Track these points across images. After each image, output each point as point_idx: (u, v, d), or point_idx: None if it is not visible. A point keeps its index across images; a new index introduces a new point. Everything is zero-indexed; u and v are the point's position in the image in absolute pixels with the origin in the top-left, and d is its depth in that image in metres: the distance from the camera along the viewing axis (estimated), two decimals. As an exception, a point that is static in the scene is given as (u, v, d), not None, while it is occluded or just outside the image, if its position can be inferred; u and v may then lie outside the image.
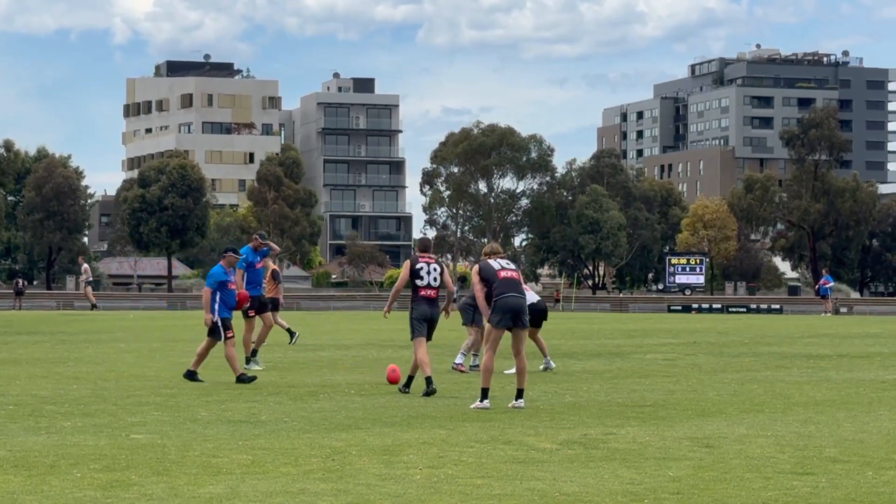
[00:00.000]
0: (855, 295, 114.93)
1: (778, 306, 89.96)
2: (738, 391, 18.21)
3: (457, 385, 18.84)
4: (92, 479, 10.15)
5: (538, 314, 21.85)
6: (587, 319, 51.38)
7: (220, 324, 19.10)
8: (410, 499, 9.44)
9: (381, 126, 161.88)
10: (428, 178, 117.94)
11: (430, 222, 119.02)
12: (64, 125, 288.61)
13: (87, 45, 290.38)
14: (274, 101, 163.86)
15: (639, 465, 10.98)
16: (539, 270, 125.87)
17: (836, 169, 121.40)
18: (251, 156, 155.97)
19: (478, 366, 20.71)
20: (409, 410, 15.33)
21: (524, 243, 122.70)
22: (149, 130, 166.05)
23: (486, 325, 16.10)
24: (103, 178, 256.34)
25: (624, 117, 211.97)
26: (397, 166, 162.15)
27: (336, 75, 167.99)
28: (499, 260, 16.25)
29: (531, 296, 22.00)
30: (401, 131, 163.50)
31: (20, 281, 76.11)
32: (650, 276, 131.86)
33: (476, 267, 16.37)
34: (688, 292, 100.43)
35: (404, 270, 17.72)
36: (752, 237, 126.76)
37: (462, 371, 21.40)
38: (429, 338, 17.65)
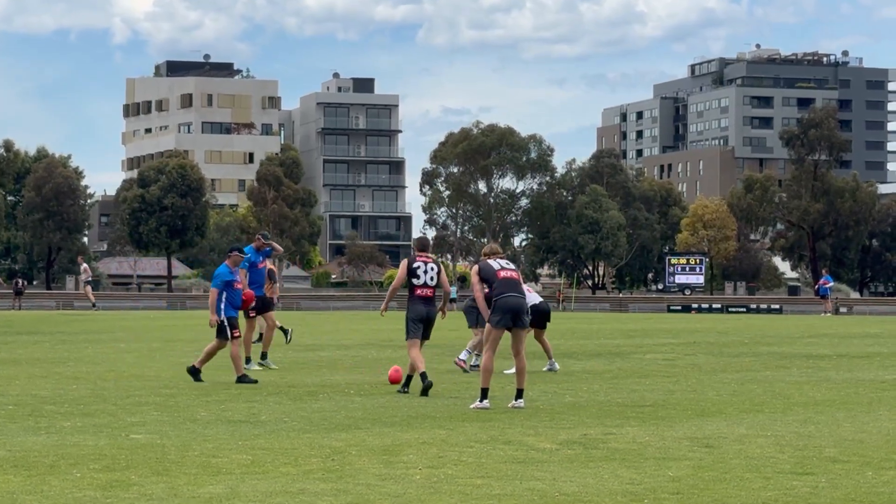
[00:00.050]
0: (855, 295, 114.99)
1: (778, 306, 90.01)
2: (738, 391, 18.21)
3: (457, 385, 18.84)
4: (92, 479, 10.15)
5: (541, 315, 21.85)
6: (587, 319, 51.39)
7: (226, 323, 19.11)
8: (410, 499, 9.43)
9: (381, 126, 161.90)
10: (428, 178, 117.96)
11: (430, 222, 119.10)
12: (64, 125, 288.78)
13: (86, 45, 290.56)
14: (273, 101, 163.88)
15: (638, 465, 10.98)
16: (539, 270, 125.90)
17: (835, 169, 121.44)
18: (251, 156, 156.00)
19: (478, 366, 20.72)
20: (408, 410, 15.33)
21: (524, 243, 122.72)
22: (148, 130, 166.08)
23: (486, 325, 16.10)
24: (103, 178, 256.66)
25: (623, 117, 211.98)
26: (397, 166, 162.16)
27: (336, 75, 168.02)
28: (498, 260, 16.25)
29: (534, 297, 22.01)
30: (400, 131, 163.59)
31: (20, 281, 76.13)
32: (650, 276, 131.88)
33: (476, 267, 16.37)
34: (687, 292, 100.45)
35: (401, 269, 17.73)
36: (752, 237, 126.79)
37: (462, 367, 21.39)
38: (426, 337, 17.66)
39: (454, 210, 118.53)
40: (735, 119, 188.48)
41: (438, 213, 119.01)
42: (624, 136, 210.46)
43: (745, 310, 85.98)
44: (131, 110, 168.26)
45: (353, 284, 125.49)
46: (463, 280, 75.24)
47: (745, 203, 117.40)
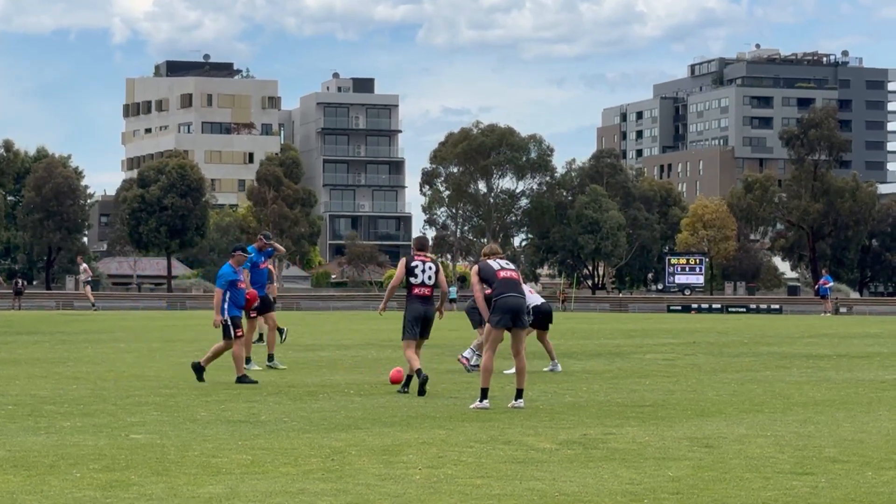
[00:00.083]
0: (854, 295, 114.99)
1: (777, 306, 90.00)
2: (738, 391, 18.21)
3: (456, 385, 18.84)
4: (91, 479, 10.15)
5: (543, 316, 21.86)
6: (587, 319, 51.38)
7: (229, 322, 19.12)
8: (410, 499, 9.44)
9: (381, 126, 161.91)
10: (427, 178, 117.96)
11: (430, 222, 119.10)
12: (63, 125, 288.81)
13: (86, 45, 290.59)
14: (273, 101, 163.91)
15: (638, 465, 10.98)
16: (539, 270, 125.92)
17: (835, 169, 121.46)
18: (251, 156, 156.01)
19: (478, 366, 20.72)
20: (408, 410, 15.33)
21: (524, 243, 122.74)
22: (148, 130, 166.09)
23: (486, 325, 16.10)
24: (103, 178, 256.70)
25: (623, 117, 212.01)
26: (397, 166, 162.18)
27: (335, 75, 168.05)
28: (498, 260, 16.26)
29: (536, 298, 22.02)
30: (400, 131, 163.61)
31: (19, 281, 76.12)
32: (650, 276, 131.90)
33: (475, 267, 16.37)
34: (687, 292, 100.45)
35: (400, 268, 17.75)
36: (752, 237, 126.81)
37: (465, 366, 21.39)
38: (425, 335, 17.68)
39: (454, 210, 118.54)
40: (735, 119, 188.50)
41: (438, 213, 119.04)
42: (624, 136, 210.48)
43: (744, 310, 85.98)
44: (131, 110, 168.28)
45: (352, 284, 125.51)
46: (463, 280, 75.21)
47: (744, 203, 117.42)
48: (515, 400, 15.78)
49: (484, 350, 16.01)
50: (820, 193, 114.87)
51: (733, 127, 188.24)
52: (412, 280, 17.51)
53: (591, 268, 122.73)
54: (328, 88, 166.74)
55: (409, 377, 17.60)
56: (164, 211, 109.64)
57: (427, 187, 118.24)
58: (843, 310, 78.88)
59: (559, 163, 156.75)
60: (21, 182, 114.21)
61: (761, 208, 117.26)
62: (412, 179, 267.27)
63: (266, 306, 22.33)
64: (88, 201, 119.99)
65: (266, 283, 22.44)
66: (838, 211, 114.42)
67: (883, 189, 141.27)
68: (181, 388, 18.16)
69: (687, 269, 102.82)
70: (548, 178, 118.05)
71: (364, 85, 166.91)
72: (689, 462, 11.19)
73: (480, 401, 15.66)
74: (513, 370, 16.40)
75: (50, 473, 10.39)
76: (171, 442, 12.29)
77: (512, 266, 16.27)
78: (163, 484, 9.93)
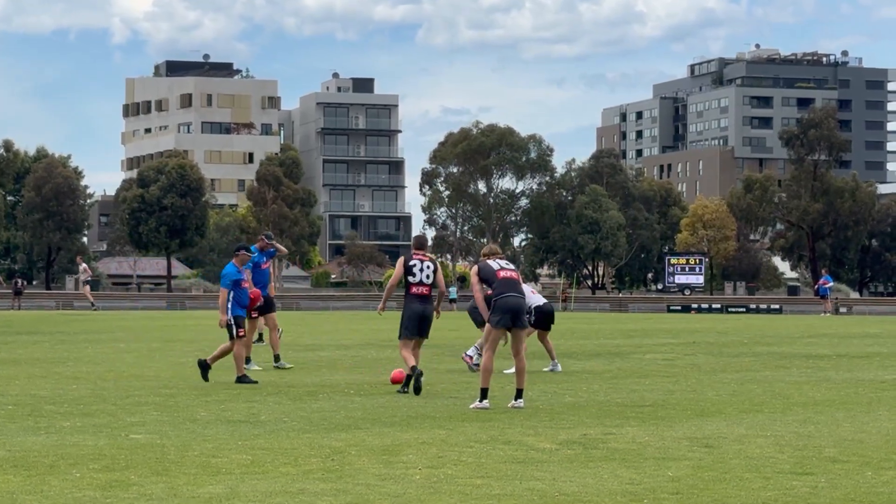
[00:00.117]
0: (854, 295, 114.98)
1: (777, 306, 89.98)
2: (738, 391, 18.21)
3: (456, 385, 18.84)
4: (91, 479, 10.16)
5: (545, 316, 21.87)
6: (587, 319, 51.38)
7: (232, 321, 19.12)
8: (410, 499, 9.44)
9: (381, 126, 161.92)
10: (427, 178, 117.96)
11: (430, 222, 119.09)
12: (63, 125, 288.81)
13: (86, 45, 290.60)
14: (273, 101, 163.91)
15: (638, 465, 10.99)
16: (538, 270, 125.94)
17: (835, 169, 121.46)
18: (250, 156, 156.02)
19: (478, 366, 20.72)
20: (408, 410, 15.33)
21: (523, 243, 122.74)
22: (148, 130, 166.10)
23: (486, 325, 16.11)
24: (103, 178, 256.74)
25: (623, 117, 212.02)
26: (396, 166, 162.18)
27: (335, 75, 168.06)
28: (498, 260, 16.26)
29: (538, 298, 22.03)
30: (400, 131, 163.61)
31: (19, 281, 76.11)
32: (649, 276, 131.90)
33: (475, 268, 16.38)
34: (687, 292, 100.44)
35: (398, 267, 17.77)
36: (752, 237, 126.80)
37: (469, 364, 21.40)
38: (424, 335, 17.69)
39: (454, 210, 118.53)
40: (735, 119, 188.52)
41: (438, 213, 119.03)
42: (623, 136, 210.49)
43: (744, 310, 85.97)
44: (131, 110, 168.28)
45: (352, 284, 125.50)
46: (463, 280, 75.13)
47: (744, 203, 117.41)
48: (515, 400, 15.78)
49: (484, 350, 16.02)
50: (820, 193, 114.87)
51: (733, 127, 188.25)
52: (410, 279, 17.52)
53: (590, 268, 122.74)
54: (328, 88, 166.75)
55: (409, 377, 17.61)
56: (164, 211, 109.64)
57: (427, 187, 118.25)
58: (842, 310, 78.88)
59: (559, 163, 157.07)
60: (21, 182, 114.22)
61: (761, 208, 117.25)
62: (412, 179, 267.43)
63: (267, 307, 22.34)
64: (88, 201, 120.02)
65: (268, 283, 22.46)
66: (838, 211, 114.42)
67: (883, 189, 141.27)
68: (181, 388, 18.16)
69: (687, 269, 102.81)
70: (547, 178, 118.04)
71: (364, 85, 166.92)
72: (688, 462, 11.19)
73: (480, 401, 15.66)
74: (513, 370, 16.40)
75: (50, 473, 10.39)
76: (170, 442, 12.30)
77: (511, 266, 16.28)
78: (163, 484, 9.93)
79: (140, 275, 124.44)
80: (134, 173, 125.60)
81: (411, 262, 17.58)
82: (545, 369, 21.79)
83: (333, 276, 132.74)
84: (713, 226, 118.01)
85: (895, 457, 11.57)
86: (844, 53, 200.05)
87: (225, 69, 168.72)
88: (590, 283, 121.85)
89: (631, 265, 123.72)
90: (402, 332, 17.57)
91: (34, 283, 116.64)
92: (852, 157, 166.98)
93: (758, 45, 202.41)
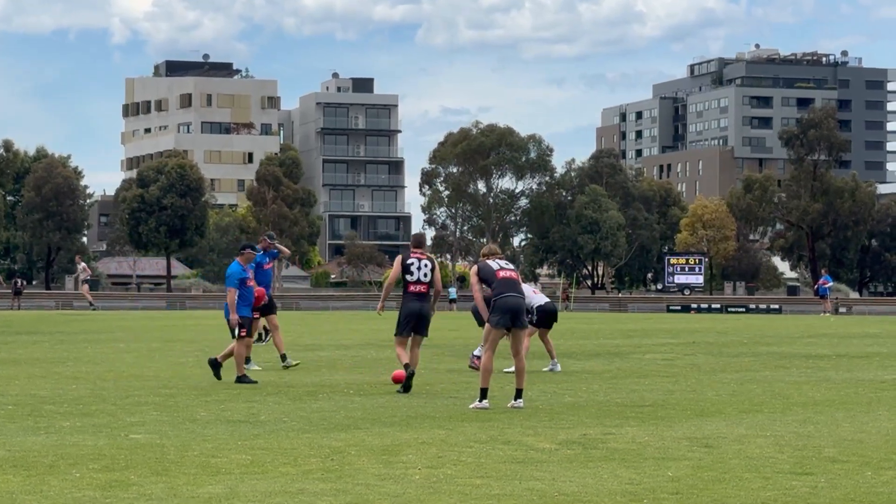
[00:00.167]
0: (854, 295, 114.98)
1: (777, 306, 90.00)
2: (737, 391, 18.20)
3: (456, 385, 18.84)
4: (91, 479, 10.15)
5: (548, 315, 21.88)
6: (586, 319, 51.37)
7: (238, 320, 19.12)
8: (409, 499, 9.44)
9: (380, 126, 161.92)
10: (427, 178, 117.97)
11: (430, 222, 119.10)
12: (63, 125, 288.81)
13: (85, 45, 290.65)
14: (273, 101, 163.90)
15: (638, 465, 10.98)
16: (538, 270, 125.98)
17: (834, 169, 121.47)
18: (250, 156, 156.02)
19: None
20: (408, 410, 15.33)
21: (523, 243, 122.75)
22: (148, 130, 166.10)
23: (486, 325, 16.11)
24: (102, 177, 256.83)
25: (623, 117, 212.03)
26: (396, 166, 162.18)
27: (335, 75, 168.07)
28: (497, 260, 16.27)
29: (540, 297, 22.05)
30: (400, 131, 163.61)
31: (19, 281, 76.10)
32: (649, 276, 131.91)
33: (475, 268, 16.39)
34: (687, 292, 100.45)
35: (396, 266, 17.79)
36: (751, 237, 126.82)
37: (477, 367, 21.38)
38: (423, 333, 17.70)
39: (453, 210, 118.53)
40: (734, 119, 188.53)
41: (438, 213, 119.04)
42: (623, 136, 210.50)
43: (744, 310, 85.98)
44: (130, 110, 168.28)
45: (352, 284, 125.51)
46: (463, 280, 75.07)
47: (744, 203, 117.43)
48: (515, 400, 15.78)
49: (484, 350, 16.03)
50: (819, 193, 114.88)
51: (733, 127, 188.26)
52: (408, 278, 17.54)
53: (590, 268, 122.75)
54: (327, 88, 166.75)
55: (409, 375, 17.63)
56: (164, 211, 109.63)
57: (426, 187, 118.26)
58: (842, 310, 78.88)
59: (558, 163, 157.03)
60: (21, 182, 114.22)
61: (761, 208, 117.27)
62: (412, 179, 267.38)
63: (269, 307, 22.34)
64: (88, 201, 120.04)
65: (270, 283, 22.47)
66: (838, 211, 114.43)
67: (882, 189, 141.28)
68: (181, 388, 18.16)
69: (686, 269, 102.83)
70: (547, 178, 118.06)
71: (363, 85, 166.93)
72: (688, 462, 11.19)
73: (480, 401, 15.67)
74: (513, 369, 16.41)
75: (49, 473, 10.39)
76: (170, 442, 12.29)
77: (511, 266, 16.29)
78: (162, 484, 9.93)
79: (140, 275, 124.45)
80: (134, 173, 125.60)
81: (409, 261, 17.61)
82: (544, 369, 21.79)
83: (333, 276, 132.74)
84: (713, 226, 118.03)
85: (895, 457, 11.57)
86: (844, 53, 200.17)
87: (225, 69, 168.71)
88: (589, 283, 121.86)
89: (631, 265, 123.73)
90: (398, 329, 17.63)
91: (34, 283, 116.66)
92: (852, 157, 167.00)
93: (757, 45, 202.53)
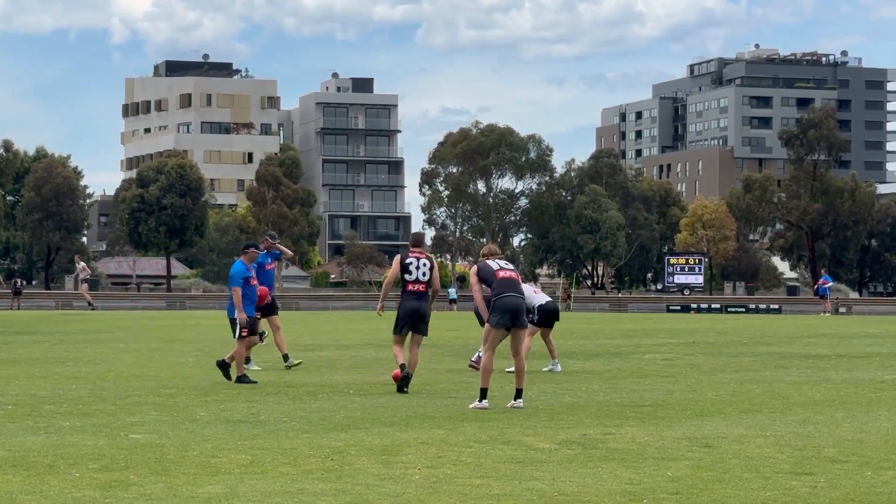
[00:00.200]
0: (854, 295, 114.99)
1: (777, 306, 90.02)
2: (737, 391, 18.20)
3: (456, 385, 18.84)
4: (91, 478, 10.15)
5: (550, 315, 21.88)
6: (586, 319, 51.36)
7: (236, 320, 19.12)
8: (409, 499, 9.44)
9: (380, 126, 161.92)
10: (427, 178, 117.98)
11: (429, 222, 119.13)
12: (63, 125, 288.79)
13: (85, 45, 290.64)
14: (273, 101, 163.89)
15: (637, 465, 10.98)
16: (538, 270, 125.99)
17: (834, 169, 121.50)
18: (250, 156, 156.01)
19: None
20: (407, 410, 15.32)
21: (523, 243, 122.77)
22: (147, 130, 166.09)
23: (485, 325, 16.11)
24: (102, 177, 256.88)
25: (623, 117, 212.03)
26: (396, 166, 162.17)
27: (335, 75, 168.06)
28: (497, 260, 16.27)
29: (541, 297, 22.05)
30: (399, 131, 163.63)
31: (18, 281, 76.11)
32: (649, 276, 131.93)
33: (474, 268, 16.39)
34: (687, 292, 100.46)
35: (394, 265, 17.79)
36: (751, 237, 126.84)
37: (477, 368, 21.38)
38: (423, 332, 17.70)
39: (453, 210, 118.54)
40: (734, 119, 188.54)
41: (437, 213, 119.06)
42: (623, 136, 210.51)
43: (744, 310, 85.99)
44: (130, 110, 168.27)
45: (352, 284, 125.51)
46: (462, 280, 75.08)
47: (744, 203, 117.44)
48: (514, 400, 15.78)
49: (483, 350, 16.03)
50: (819, 193, 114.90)
51: (732, 127, 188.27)
52: (407, 277, 17.55)
53: (590, 268, 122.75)
54: (327, 88, 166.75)
55: (408, 375, 17.61)
56: (164, 211, 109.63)
57: (426, 187, 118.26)
58: (842, 310, 78.89)
59: (558, 163, 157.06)
60: (20, 182, 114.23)
61: (760, 208, 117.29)
62: (411, 179, 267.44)
63: (270, 308, 22.33)
64: (88, 201, 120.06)
65: (273, 283, 22.47)
66: (837, 211, 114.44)
67: (882, 189, 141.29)
68: (180, 389, 18.16)
69: (686, 269, 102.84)
70: (547, 178, 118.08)
71: (363, 85, 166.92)
72: (688, 462, 11.19)
73: (480, 401, 15.66)
74: (513, 368, 16.41)
75: (49, 473, 10.39)
76: (170, 442, 12.29)
77: (511, 266, 16.29)
78: (162, 484, 9.93)
79: (139, 275, 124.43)
80: (133, 173, 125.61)
81: (408, 260, 17.61)
82: (544, 369, 21.79)
83: (333, 276, 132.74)
84: (713, 226, 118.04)
85: (895, 457, 11.57)
86: (844, 53, 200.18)
87: (224, 69, 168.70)
88: (589, 283, 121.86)
89: (630, 265, 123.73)
90: (396, 328, 17.65)
91: (34, 283, 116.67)
92: (852, 157, 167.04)
93: (757, 45, 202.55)
